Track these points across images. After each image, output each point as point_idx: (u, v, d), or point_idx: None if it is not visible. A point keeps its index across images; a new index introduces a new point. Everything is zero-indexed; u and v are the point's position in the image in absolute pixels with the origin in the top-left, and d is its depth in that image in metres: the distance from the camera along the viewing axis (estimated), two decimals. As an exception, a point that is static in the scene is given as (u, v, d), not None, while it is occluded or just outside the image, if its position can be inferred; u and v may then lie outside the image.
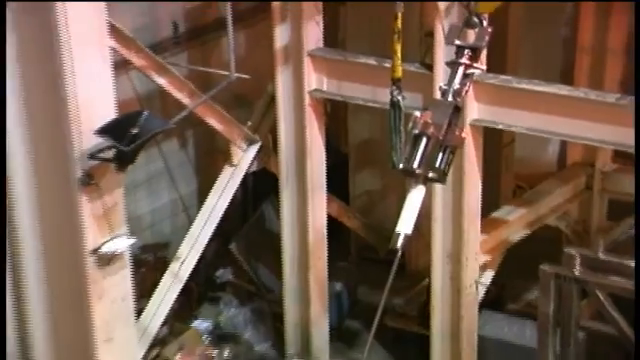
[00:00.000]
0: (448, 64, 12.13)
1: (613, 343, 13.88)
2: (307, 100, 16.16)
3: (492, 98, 14.92)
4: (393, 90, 12.35)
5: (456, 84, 11.68)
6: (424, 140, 11.35)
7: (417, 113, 11.63)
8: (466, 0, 11.90)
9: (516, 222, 17.00)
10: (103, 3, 13.77)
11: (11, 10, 13.51)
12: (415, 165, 11.29)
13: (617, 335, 13.38)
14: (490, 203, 16.18)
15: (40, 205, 14.54)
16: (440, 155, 11.39)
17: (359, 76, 15.64)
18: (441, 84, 12.34)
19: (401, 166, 11.49)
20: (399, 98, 12.30)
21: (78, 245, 14.27)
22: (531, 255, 15.32)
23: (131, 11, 16.34)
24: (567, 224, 17.92)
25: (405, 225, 11.32)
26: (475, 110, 14.96)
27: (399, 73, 12.29)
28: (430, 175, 11.39)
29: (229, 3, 15.08)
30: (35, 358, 15.27)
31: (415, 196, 11.41)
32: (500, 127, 15.43)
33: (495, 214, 16.92)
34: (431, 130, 11.35)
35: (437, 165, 11.41)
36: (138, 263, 15.76)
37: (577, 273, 12.95)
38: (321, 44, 16.10)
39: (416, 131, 11.38)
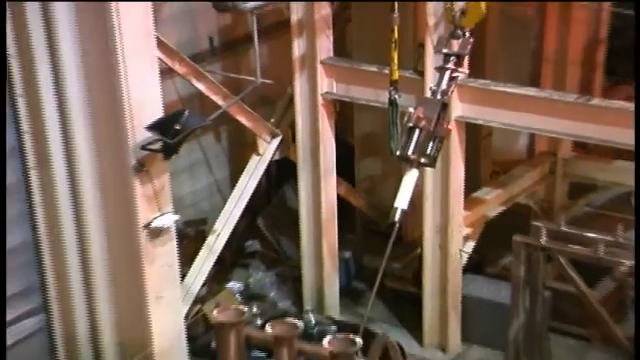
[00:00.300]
0: (437, 69, 12.51)
1: (572, 299, 13.94)
2: (320, 100, 16.23)
3: (473, 98, 14.98)
4: (391, 91, 12.47)
5: (443, 85, 11.93)
6: (417, 131, 11.61)
7: (411, 109, 11.88)
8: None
9: (493, 201, 17.06)
10: (151, 21, 14.08)
11: (71, 9, 13.67)
12: (410, 152, 11.57)
13: (576, 292, 13.51)
14: (471, 185, 16.22)
15: (102, 188, 14.76)
16: (430, 144, 11.64)
17: (363, 80, 15.69)
18: (431, 85, 12.65)
19: (398, 153, 11.77)
20: (396, 97, 12.38)
21: (133, 221, 14.51)
22: (505, 228, 15.31)
23: (175, 27, 16.44)
24: (535, 202, 18.01)
25: (402, 201, 11.59)
26: (459, 108, 14.98)
27: (396, 76, 12.39)
28: (422, 160, 11.68)
29: (255, 20, 15.05)
30: (100, 314, 15.44)
31: (410, 178, 11.68)
32: (480, 122, 15.49)
33: (475, 194, 16.93)
34: (423, 123, 11.59)
35: (428, 152, 11.67)
36: (181, 235, 15.79)
37: (543, 242, 13.03)
38: (331, 54, 16.14)
39: (410, 124, 11.64)
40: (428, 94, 12.89)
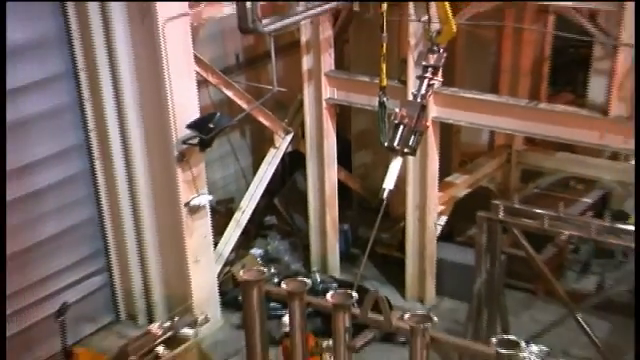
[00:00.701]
0: (417, 77, 12.47)
1: (523, 261, 13.90)
2: (324, 105, 16.17)
3: (446, 103, 14.95)
4: (380, 95, 12.37)
5: (422, 90, 11.94)
6: (401, 127, 11.68)
7: (396, 110, 11.99)
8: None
9: (461, 184, 17.07)
10: (190, 41, 14.18)
11: (124, 22, 13.84)
12: (395, 143, 11.63)
13: (525, 256, 13.47)
14: (444, 171, 16.14)
15: (151, 174, 15.01)
16: (412, 137, 11.70)
17: (358, 89, 15.64)
18: (413, 91, 12.70)
19: (386, 144, 11.81)
20: (384, 100, 12.36)
21: (176, 200, 14.73)
22: (471, 205, 15.39)
23: (208, 46, 16.39)
24: (494, 185, 18.00)
25: (389, 183, 11.67)
26: (435, 111, 14.93)
27: (384, 83, 12.34)
28: (405, 150, 11.72)
29: (272, 41, 14.79)
30: (151, 274, 15.68)
31: (395, 164, 11.75)
32: (451, 122, 15.50)
33: (447, 178, 16.91)
34: (406, 121, 11.67)
35: (410, 144, 11.71)
36: (214, 212, 15.91)
37: (500, 217, 12.99)
38: (333, 67, 16.07)
39: (396, 121, 11.71)
40: (410, 98, 12.97)
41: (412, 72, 14.43)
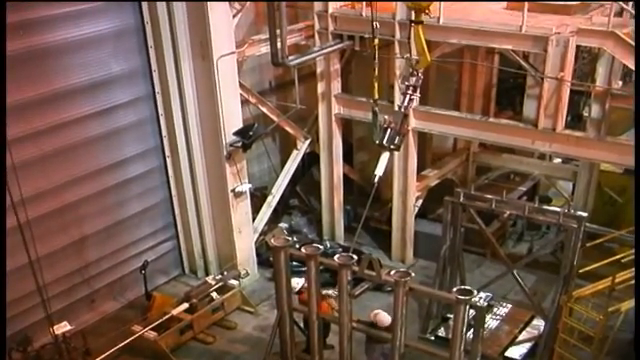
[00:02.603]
0: (401, 93, 12.29)
1: (476, 233, 14.14)
2: (333, 118, 16.11)
3: (422, 117, 14.89)
4: (373, 105, 12.15)
5: (405, 103, 11.75)
6: (389, 130, 11.53)
7: (386, 117, 11.95)
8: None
9: (432, 176, 16.93)
10: (236, 72, 14.25)
11: (189, 59, 13.93)
12: (384, 142, 11.50)
13: (478, 229, 13.64)
14: (420, 166, 16.41)
15: (207, 168, 15.06)
16: (397, 137, 11.59)
17: (358, 107, 15.55)
18: (398, 104, 12.71)
19: (377, 142, 11.66)
20: (376, 109, 12.28)
21: (225, 187, 14.84)
22: (439, 192, 15.54)
23: (249, 75, 16.35)
24: (456, 177, 17.94)
25: (379, 170, 11.50)
26: (414, 123, 14.84)
27: (376, 96, 12.02)
28: (392, 147, 11.56)
29: (295, 71, 14.99)
30: (206, 240, 15.70)
31: (384, 157, 11.50)
32: (425, 131, 15.40)
33: (423, 172, 16.78)
34: (392, 125, 11.57)
35: (395, 142, 11.58)
36: (252, 196, 15.76)
37: (461, 200, 13.11)
38: (340, 91, 15.99)
39: (385, 125, 11.56)
40: (396, 109, 13.01)
41: (397, 94, 14.42)
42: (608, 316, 11.44)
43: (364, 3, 14.41)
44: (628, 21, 12.58)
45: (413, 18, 11.26)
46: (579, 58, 16.87)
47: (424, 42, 11.30)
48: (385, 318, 11.51)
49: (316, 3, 15.07)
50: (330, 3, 14.92)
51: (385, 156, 11.73)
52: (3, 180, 10.98)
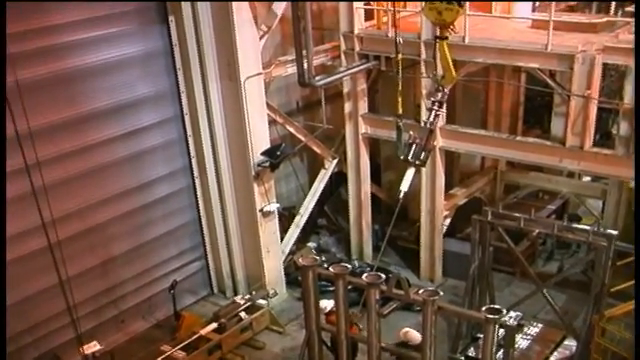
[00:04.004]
0: (427, 109, 12.32)
1: (505, 251, 14.05)
2: (360, 137, 16.07)
3: (449, 136, 14.84)
4: (397, 120, 12.36)
5: (431, 119, 11.86)
6: (414, 145, 11.64)
7: (411, 132, 11.93)
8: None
9: (460, 195, 16.82)
10: (263, 92, 14.29)
11: (216, 80, 13.99)
12: (410, 157, 11.59)
13: (507, 247, 13.47)
14: (448, 185, 16.16)
15: (235, 188, 15.05)
16: (423, 153, 11.60)
17: (385, 126, 15.45)
18: (424, 119, 12.60)
19: (402, 157, 11.80)
20: (400, 124, 12.35)
21: (253, 206, 14.81)
22: (468, 211, 15.44)
23: (277, 96, 16.41)
24: (484, 196, 17.77)
25: (404, 186, 11.57)
26: (441, 142, 14.81)
27: (400, 111, 12.18)
28: (417, 162, 11.62)
29: (322, 92, 15.20)
30: (235, 260, 15.65)
31: (409, 173, 11.58)
32: (453, 150, 15.31)
33: (451, 191, 16.64)
34: (417, 141, 11.64)
35: (421, 158, 11.66)
36: (280, 216, 15.79)
37: (489, 219, 12.95)
38: (367, 110, 15.95)
39: (410, 141, 11.68)
40: (422, 125, 12.80)
41: (424, 112, 14.17)
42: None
43: (389, 24, 14.40)
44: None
45: (438, 34, 11.24)
46: (606, 76, 16.69)
47: (449, 58, 11.26)
48: (415, 335, 11.41)
49: (342, 24, 15.07)
50: (356, 25, 14.90)
51: (410, 172, 11.70)
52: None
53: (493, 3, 14.66)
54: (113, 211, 13.84)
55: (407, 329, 11.68)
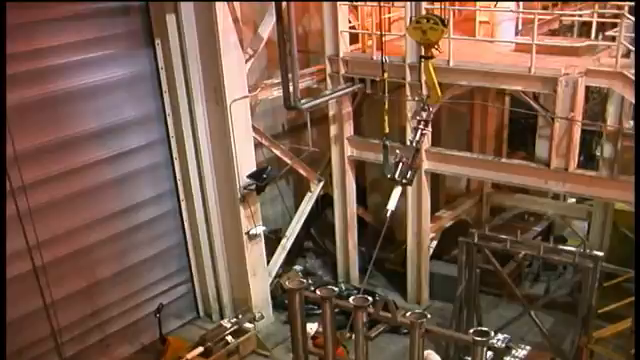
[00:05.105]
0: (413, 128, 12.34)
1: (491, 273, 13.88)
2: (346, 160, 16.05)
3: (434, 158, 14.87)
4: (384, 139, 12.39)
5: (417, 138, 11.90)
6: (401, 164, 11.59)
7: (397, 151, 11.94)
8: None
9: (447, 217, 16.93)
10: (249, 115, 14.30)
11: (202, 103, 13.99)
12: (396, 176, 11.59)
13: (494, 269, 13.49)
14: (434, 207, 16.23)
15: (221, 211, 15.00)
16: (409, 172, 11.62)
17: (370, 148, 15.44)
18: (409, 138, 12.64)
19: (389, 176, 11.78)
20: (386, 143, 12.34)
21: (239, 229, 14.75)
22: (454, 233, 15.49)
23: (263, 119, 16.26)
24: (470, 218, 17.87)
25: (391, 205, 11.52)
26: (427, 164, 14.85)
27: (386, 130, 12.37)
28: (404, 181, 11.64)
29: (308, 115, 15.21)
30: (221, 283, 15.58)
31: (396, 192, 11.55)
32: (438, 172, 15.35)
33: (437, 213, 16.72)
34: (404, 160, 11.65)
35: (407, 177, 11.66)
36: (267, 238, 15.61)
37: (475, 241, 12.95)
38: (352, 133, 15.98)
39: (397, 159, 11.68)
40: (408, 144, 12.87)
41: (409, 134, 14.25)
42: (631, 358, 11.20)
43: (374, 47, 14.47)
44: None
45: (423, 53, 11.30)
46: (589, 98, 16.83)
47: (434, 77, 11.32)
48: (436, 358, 11.39)
49: (327, 47, 15.10)
50: (341, 48, 14.96)
51: (397, 191, 11.69)
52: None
53: (476, 27, 14.77)
54: (99, 234, 13.72)
55: (428, 351, 11.62)
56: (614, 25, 13.03)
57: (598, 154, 15.23)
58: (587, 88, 13.09)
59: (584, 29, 16.17)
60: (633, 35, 12.46)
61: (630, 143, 13.60)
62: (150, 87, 13.95)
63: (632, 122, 13.64)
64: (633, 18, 12.35)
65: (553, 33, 16.58)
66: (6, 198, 11.03)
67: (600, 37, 14.48)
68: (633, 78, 12.11)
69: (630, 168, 14.42)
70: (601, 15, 14.47)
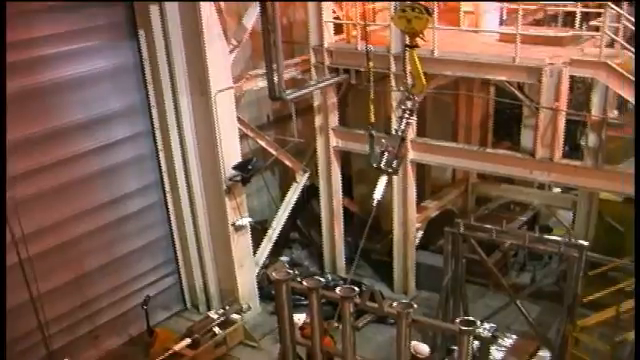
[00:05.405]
0: (398, 117, 12.28)
1: (477, 263, 13.83)
2: (331, 151, 16.08)
3: (420, 148, 14.93)
4: (370, 128, 12.15)
5: (402, 127, 11.81)
6: (386, 153, 11.55)
7: (383, 140, 11.93)
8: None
9: (432, 207, 17.00)
10: (234, 107, 14.30)
11: (187, 94, 13.96)
12: (382, 165, 11.52)
13: (480, 259, 13.49)
14: (420, 198, 16.31)
15: (207, 202, 14.99)
16: (395, 161, 11.58)
17: (356, 139, 15.52)
18: (395, 127, 12.48)
19: (375, 165, 11.70)
20: (372, 132, 12.33)
21: (225, 221, 14.76)
22: (440, 223, 15.51)
23: (247, 110, 16.28)
24: (456, 208, 17.95)
25: (377, 194, 11.47)
26: (413, 155, 14.92)
27: (372, 119, 12.08)
28: (389, 170, 11.57)
29: (293, 105, 15.32)
30: (208, 274, 15.58)
31: (382, 181, 11.47)
32: (424, 162, 15.48)
33: (422, 203, 16.80)
34: (390, 149, 11.62)
35: (393, 166, 11.64)
36: (253, 230, 15.62)
37: (461, 231, 13.02)
38: (337, 124, 15.98)
39: (382, 149, 11.63)
40: (393, 133, 12.62)
41: (394, 123, 14.11)
42: (615, 346, 11.29)
43: (359, 37, 14.47)
44: (619, 52, 12.63)
45: (407, 42, 11.29)
46: (574, 88, 16.87)
47: (419, 66, 11.30)
48: (423, 348, 11.42)
49: (312, 38, 15.09)
50: (326, 39, 14.94)
51: (383, 180, 11.65)
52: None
53: (461, 17, 14.77)
54: (86, 226, 13.69)
55: (414, 342, 11.64)
56: (598, 15, 13.03)
57: (583, 144, 15.30)
58: (571, 78, 13.10)
59: (568, 19, 16.17)
60: (617, 25, 12.52)
61: (615, 133, 13.69)
62: (134, 79, 13.91)
63: (616, 112, 13.74)
64: (617, 8, 12.39)
65: (537, 23, 16.63)
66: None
67: (584, 27, 14.51)
68: (617, 68, 12.16)
69: (615, 158, 14.57)
70: (585, 5, 14.47)
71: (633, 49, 12.52)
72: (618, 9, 12.47)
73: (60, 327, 13.54)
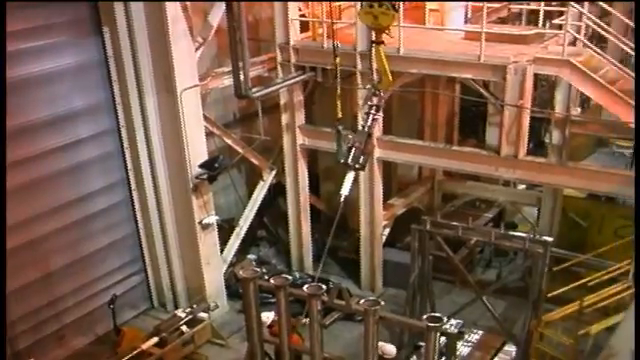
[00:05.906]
0: (365, 113, 12.16)
1: (444, 260, 13.98)
2: (298, 149, 16.10)
3: (386, 147, 15.00)
4: (337, 125, 12.19)
5: (368, 123, 11.74)
6: (353, 149, 11.55)
7: (350, 136, 11.94)
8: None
9: (399, 205, 17.02)
10: (200, 105, 14.25)
11: (153, 92, 13.86)
12: (349, 161, 11.48)
13: (446, 256, 13.66)
14: (387, 195, 16.33)
15: (174, 200, 14.92)
16: (362, 157, 11.61)
17: (322, 137, 15.53)
18: (362, 123, 12.31)
19: (342, 161, 11.67)
20: (339, 128, 12.31)
21: (192, 219, 14.71)
22: (406, 220, 15.48)
23: (214, 107, 16.19)
24: (423, 205, 17.97)
25: (344, 190, 11.45)
26: (379, 153, 14.99)
27: (340, 115, 12.09)
28: (356, 166, 11.54)
29: (259, 103, 15.03)
30: (175, 272, 15.52)
31: (349, 177, 11.43)
32: (390, 160, 15.53)
33: (389, 201, 16.82)
34: (357, 144, 11.65)
35: (360, 162, 11.62)
36: (220, 228, 15.60)
37: (428, 228, 13.10)
38: (304, 122, 16.02)
39: (349, 145, 11.60)
40: (359, 129, 12.53)
41: (360, 120, 14.11)
42: (578, 340, 11.44)
43: (325, 35, 14.49)
44: (582, 50, 12.79)
45: (374, 38, 11.33)
46: (538, 86, 17.06)
47: (386, 62, 11.34)
48: (390, 349, 11.45)
49: (278, 35, 15.08)
50: (292, 36, 14.93)
51: (350, 175, 11.63)
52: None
53: (426, 15, 14.83)
54: (51, 225, 13.56)
55: (381, 343, 11.66)
56: (561, 13, 13.20)
57: (547, 141, 15.48)
58: (536, 76, 13.26)
59: (532, 17, 16.35)
60: (579, 23, 12.69)
61: (578, 130, 13.86)
62: (99, 76, 13.79)
63: (579, 109, 13.91)
64: (578, 7, 12.56)
65: (502, 21, 16.80)
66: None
67: (548, 25, 14.68)
68: (579, 66, 12.33)
69: (578, 154, 14.79)
70: (548, 3, 14.63)
71: (594, 47, 12.74)
72: (580, 8, 12.64)
73: (26, 326, 13.40)
